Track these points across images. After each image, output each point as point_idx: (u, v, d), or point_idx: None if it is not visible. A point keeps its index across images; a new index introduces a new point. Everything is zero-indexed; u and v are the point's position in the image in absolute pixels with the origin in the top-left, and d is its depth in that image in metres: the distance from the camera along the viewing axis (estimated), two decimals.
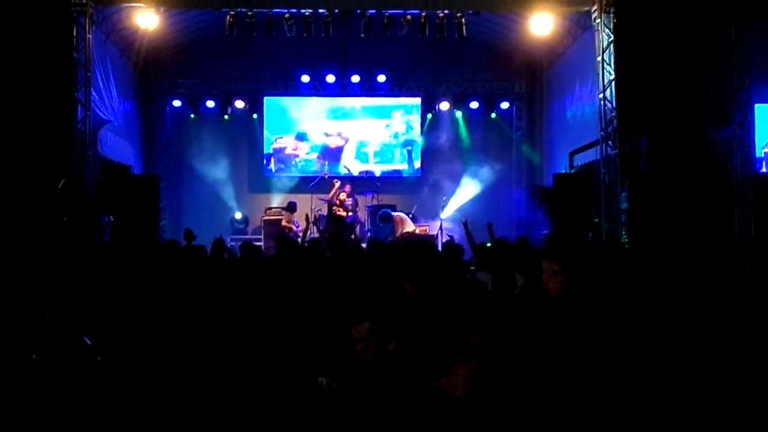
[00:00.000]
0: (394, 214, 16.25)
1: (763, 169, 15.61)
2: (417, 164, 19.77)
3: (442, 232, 16.67)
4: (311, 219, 14.94)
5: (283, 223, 16.64)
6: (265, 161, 19.67)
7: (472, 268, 6.56)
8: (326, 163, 19.64)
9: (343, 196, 16.28)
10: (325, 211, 17.44)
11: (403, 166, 19.87)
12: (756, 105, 13.88)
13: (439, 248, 11.29)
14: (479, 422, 3.01)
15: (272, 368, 3.74)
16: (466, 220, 10.57)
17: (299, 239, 15.57)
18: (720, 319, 4.85)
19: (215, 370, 4.09)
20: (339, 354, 3.77)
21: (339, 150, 19.79)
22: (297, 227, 16.68)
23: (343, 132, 19.84)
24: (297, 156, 19.76)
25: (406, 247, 4.53)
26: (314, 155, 19.76)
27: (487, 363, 3.12)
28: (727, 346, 4.18)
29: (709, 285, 6.17)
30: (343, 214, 16.14)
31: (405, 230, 15.81)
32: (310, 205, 17.64)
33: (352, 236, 15.38)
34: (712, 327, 4.64)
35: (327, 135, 19.79)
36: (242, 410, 3.68)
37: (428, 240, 14.42)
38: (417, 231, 16.06)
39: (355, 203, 16.90)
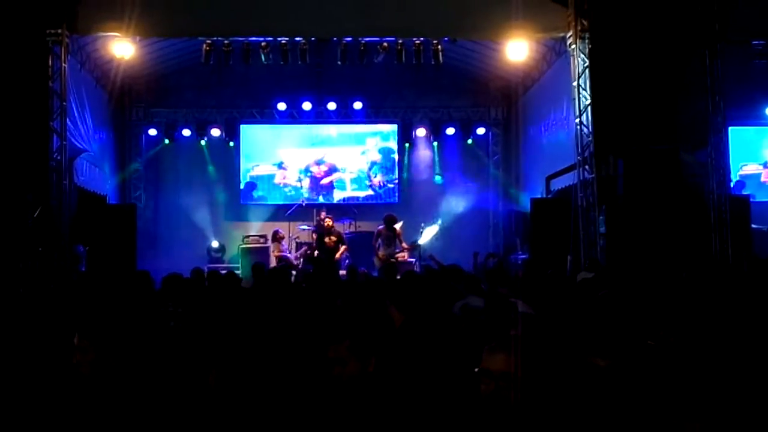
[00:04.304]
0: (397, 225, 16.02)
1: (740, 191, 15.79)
2: (370, 189, 19.75)
3: (419, 259, 16.67)
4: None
5: (275, 253, 16.64)
6: (244, 188, 19.53)
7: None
8: (319, 193, 19.61)
9: (329, 222, 16.02)
10: (302, 239, 17.41)
11: (373, 193, 19.84)
12: (730, 128, 14.03)
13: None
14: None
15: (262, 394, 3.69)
16: (431, 254, 10.65)
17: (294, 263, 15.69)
18: (702, 338, 4.85)
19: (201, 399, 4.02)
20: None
21: (324, 177, 19.75)
22: (289, 254, 16.78)
23: (325, 158, 19.78)
24: (287, 185, 19.66)
25: (396, 276, 4.52)
26: (304, 184, 19.66)
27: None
28: (711, 364, 4.17)
29: (688, 306, 6.18)
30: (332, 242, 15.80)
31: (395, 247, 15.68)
32: (288, 233, 17.63)
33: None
34: (694, 346, 4.63)
35: (316, 164, 19.70)
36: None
37: (413, 269, 14.45)
38: (398, 257, 15.90)
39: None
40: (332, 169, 19.72)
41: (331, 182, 19.68)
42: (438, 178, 19.78)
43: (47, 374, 4.30)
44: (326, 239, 15.60)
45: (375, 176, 19.76)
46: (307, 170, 19.65)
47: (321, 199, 19.34)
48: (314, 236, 16.37)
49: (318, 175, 19.65)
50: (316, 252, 15.77)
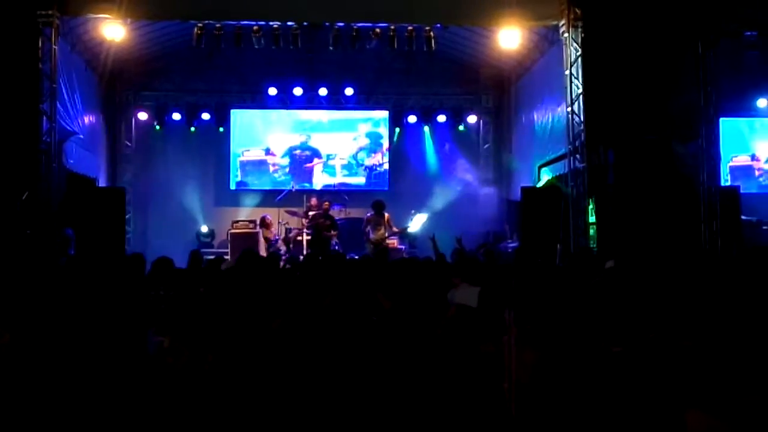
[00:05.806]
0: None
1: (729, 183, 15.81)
2: (362, 175, 19.72)
3: (409, 246, 16.67)
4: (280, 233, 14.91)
5: (264, 235, 16.69)
6: (237, 174, 19.46)
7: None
8: (302, 179, 19.50)
9: (326, 204, 16.12)
10: (292, 225, 17.36)
11: (363, 180, 19.81)
12: (721, 119, 14.03)
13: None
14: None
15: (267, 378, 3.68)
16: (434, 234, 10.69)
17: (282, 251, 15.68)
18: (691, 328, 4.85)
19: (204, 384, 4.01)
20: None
21: (306, 162, 19.67)
22: (277, 238, 16.80)
23: (309, 142, 19.71)
24: (276, 171, 19.60)
25: (384, 264, 4.51)
26: (286, 169, 19.59)
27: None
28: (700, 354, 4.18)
29: (677, 296, 6.19)
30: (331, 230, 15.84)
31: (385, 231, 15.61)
32: (277, 218, 17.58)
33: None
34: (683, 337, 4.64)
35: (299, 148, 19.63)
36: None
37: (407, 256, 14.39)
38: (388, 244, 15.86)
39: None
40: (315, 154, 19.65)
41: (312, 167, 19.63)
42: (430, 154, 19.80)
43: None
44: (321, 220, 15.65)
45: (363, 161, 19.72)
46: (289, 153, 19.61)
47: (306, 185, 19.29)
48: (304, 222, 16.35)
49: (300, 159, 19.60)
50: (304, 234, 15.85)
